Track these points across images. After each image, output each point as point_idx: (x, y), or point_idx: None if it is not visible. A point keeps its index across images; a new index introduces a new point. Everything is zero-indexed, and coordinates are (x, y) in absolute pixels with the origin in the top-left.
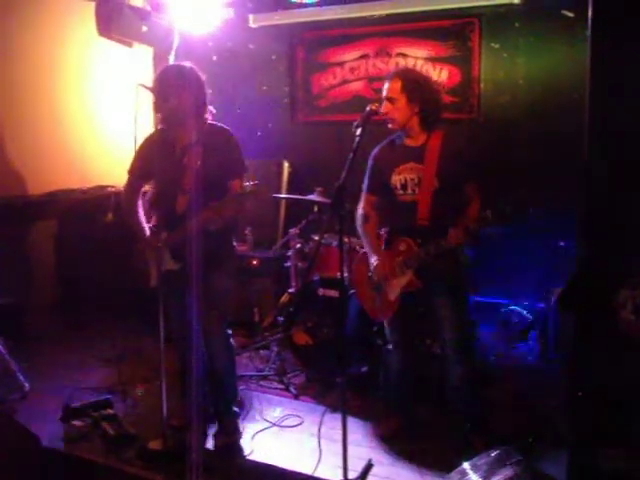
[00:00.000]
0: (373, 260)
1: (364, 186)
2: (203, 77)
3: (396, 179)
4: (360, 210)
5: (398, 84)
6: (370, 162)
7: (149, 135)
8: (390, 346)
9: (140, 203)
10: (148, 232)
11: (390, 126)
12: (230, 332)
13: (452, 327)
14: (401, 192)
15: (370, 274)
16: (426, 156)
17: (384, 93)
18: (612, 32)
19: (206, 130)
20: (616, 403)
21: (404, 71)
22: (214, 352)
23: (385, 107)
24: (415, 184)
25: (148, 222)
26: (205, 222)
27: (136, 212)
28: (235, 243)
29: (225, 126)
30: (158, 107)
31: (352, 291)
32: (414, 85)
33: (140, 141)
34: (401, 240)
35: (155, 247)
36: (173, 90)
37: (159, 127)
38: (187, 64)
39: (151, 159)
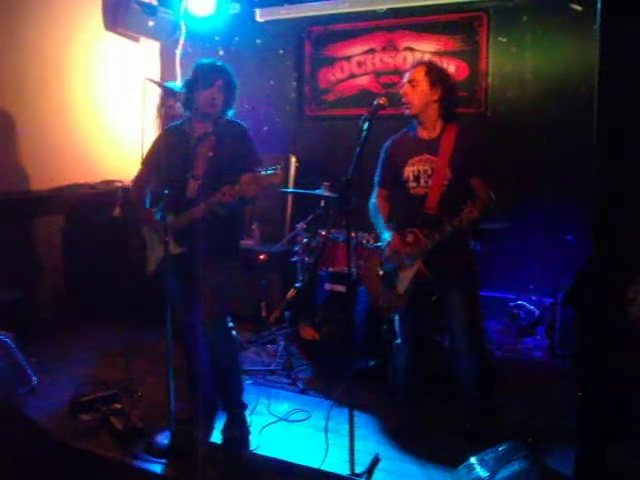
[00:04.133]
0: (386, 236)
1: (376, 179)
2: (237, 80)
3: (409, 171)
4: (372, 199)
5: (422, 69)
6: (382, 154)
7: (165, 129)
8: (399, 340)
9: (148, 192)
10: (149, 210)
11: (407, 112)
12: (232, 325)
13: (463, 322)
14: (414, 184)
15: (379, 270)
16: (440, 148)
17: (405, 78)
18: (621, 26)
19: (223, 123)
20: (623, 399)
21: (429, 60)
22: (215, 344)
23: (404, 89)
24: (428, 176)
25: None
26: (218, 203)
27: (142, 199)
28: (241, 236)
29: (242, 122)
30: (186, 97)
31: (362, 287)
32: (437, 73)
33: (147, 135)
34: (408, 232)
35: (154, 228)
36: (202, 83)
37: (173, 123)
38: (224, 64)
39: (164, 150)
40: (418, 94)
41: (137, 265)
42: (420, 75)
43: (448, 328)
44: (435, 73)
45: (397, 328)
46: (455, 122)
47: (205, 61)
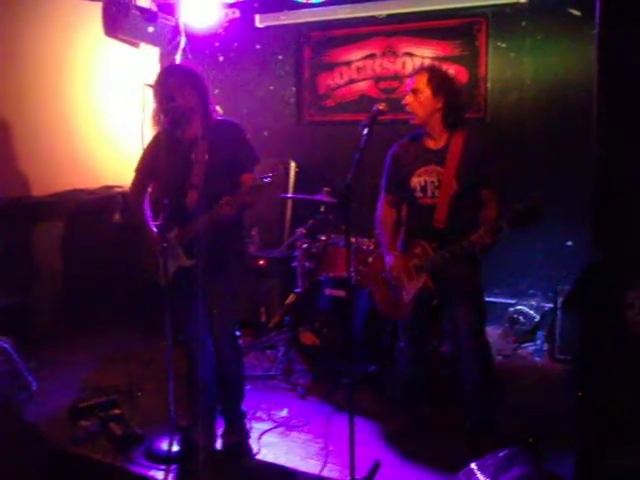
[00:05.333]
0: (388, 259)
1: (381, 185)
2: (203, 75)
3: (415, 181)
4: (378, 209)
5: (424, 77)
6: (388, 160)
7: (155, 135)
8: (402, 344)
9: (147, 202)
10: (155, 231)
11: (412, 122)
12: (238, 333)
13: (467, 329)
14: (421, 195)
15: (385, 275)
16: (447, 158)
17: (409, 86)
18: (619, 30)
19: (214, 125)
20: (624, 403)
21: (431, 66)
22: (222, 352)
23: (408, 99)
24: (435, 187)
25: (155, 221)
26: (220, 216)
27: (143, 211)
28: (245, 239)
29: (234, 120)
30: (163, 107)
31: (365, 290)
32: (440, 80)
33: (147, 141)
34: (417, 243)
35: (161, 247)
36: (177, 89)
37: (164, 128)
38: (184, 64)
39: (157, 158)
40: (421, 103)
41: (143, 274)
42: (422, 83)
43: (451, 334)
44: (438, 80)
45: (400, 331)
46: (463, 129)
47: (167, 68)
